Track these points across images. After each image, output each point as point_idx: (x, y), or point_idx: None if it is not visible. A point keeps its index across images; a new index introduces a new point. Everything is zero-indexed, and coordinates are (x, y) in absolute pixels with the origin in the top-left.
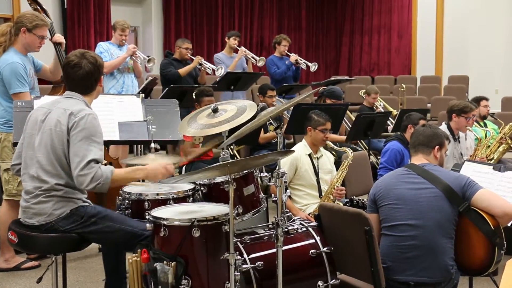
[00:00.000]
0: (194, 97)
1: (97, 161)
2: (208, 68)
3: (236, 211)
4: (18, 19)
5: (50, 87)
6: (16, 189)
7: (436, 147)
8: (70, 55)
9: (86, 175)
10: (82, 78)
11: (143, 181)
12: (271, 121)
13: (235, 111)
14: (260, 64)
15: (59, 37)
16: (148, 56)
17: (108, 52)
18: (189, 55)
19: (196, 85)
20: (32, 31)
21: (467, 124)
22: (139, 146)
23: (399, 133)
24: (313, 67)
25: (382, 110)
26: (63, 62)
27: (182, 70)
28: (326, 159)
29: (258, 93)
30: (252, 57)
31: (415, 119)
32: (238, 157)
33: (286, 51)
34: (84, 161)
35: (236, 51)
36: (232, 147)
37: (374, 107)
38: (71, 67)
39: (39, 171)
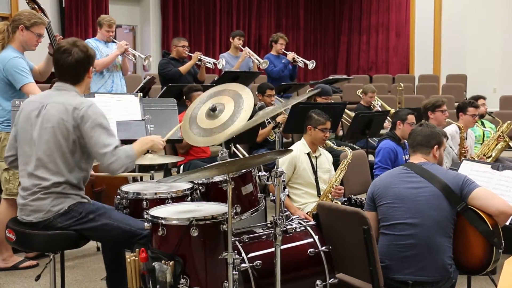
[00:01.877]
0: (183, 95)
1: (117, 146)
2: (209, 63)
3: (234, 210)
4: (16, 17)
5: (48, 86)
6: (17, 188)
7: (435, 146)
8: (62, 41)
9: (115, 162)
10: (70, 66)
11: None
12: (269, 120)
13: (231, 103)
14: (263, 66)
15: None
16: (145, 55)
17: (97, 49)
18: (186, 52)
19: (196, 83)
20: (30, 29)
21: (445, 117)
22: None
23: (390, 131)
24: (311, 65)
25: (380, 109)
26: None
27: (183, 68)
28: (325, 158)
29: (257, 92)
30: (256, 59)
31: (403, 114)
32: (246, 154)
33: (283, 50)
34: (108, 149)
35: (241, 50)
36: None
37: (372, 106)
38: (61, 53)
39: (39, 168)
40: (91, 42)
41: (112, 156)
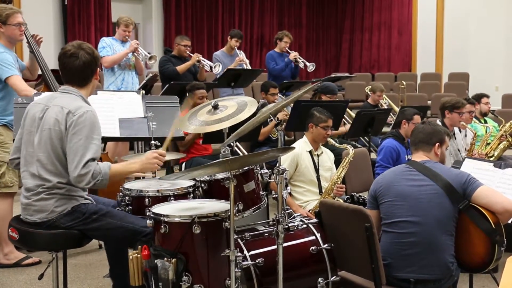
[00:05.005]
0: (186, 93)
1: (94, 159)
2: (206, 65)
3: (236, 208)
4: None
5: (33, 85)
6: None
7: (436, 144)
8: (67, 45)
9: (86, 174)
10: (78, 69)
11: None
12: (272, 118)
13: (235, 107)
14: None
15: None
16: (149, 53)
17: (111, 47)
18: (188, 52)
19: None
20: (6, 22)
21: (460, 119)
22: (140, 142)
23: (394, 130)
24: (311, 67)
25: (386, 108)
26: (59, 53)
27: (180, 68)
28: (326, 156)
29: (260, 90)
30: (248, 67)
31: (409, 114)
32: (245, 152)
33: (287, 48)
34: (82, 160)
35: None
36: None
37: (379, 105)
38: (68, 57)
39: (40, 169)
40: (105, 40)
41: (83, 168)
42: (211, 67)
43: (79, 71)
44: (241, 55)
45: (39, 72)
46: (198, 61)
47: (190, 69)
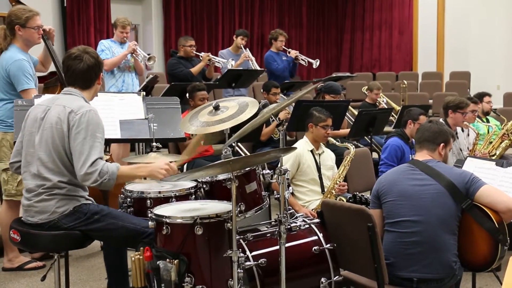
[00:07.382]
0: (187, 94)
1: (101, 158)
2: (218, 62)
3: (238, 209)
4: (8, 19)
5: (42, 87)
6: (16, 189)
7: (441, 144)
8: (72, 49)
9: (93, 173)
10: (82, 71)
11: (144, 179)
12: (273, 118)
13: (236, 108)
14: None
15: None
16: (148, 54)
17: (109, 50)
18: (194, 52)
19: (205, 81)
20: (26, 25)
21: (463, 119)
22: (141, 144)
23: (399, 129)
24: (315, 63)
25: (386, 106)
26: (64, 56)
27: (195, 69)
28: (328, 155)
29: (262, 90)
30: (253, 64)
31: (415, 114)
32: (247, 153)
33: (283, 46)
34: (89, 159)
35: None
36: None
37: (377, 103)
38: (72, 59)
39: (40, 168)
40: (103, 43)
41: (91, 167)
42: (223, 63)
43: (82, 74)
44: (247, 52)
45: (53, 69)
46: (209, 60)
47: None
